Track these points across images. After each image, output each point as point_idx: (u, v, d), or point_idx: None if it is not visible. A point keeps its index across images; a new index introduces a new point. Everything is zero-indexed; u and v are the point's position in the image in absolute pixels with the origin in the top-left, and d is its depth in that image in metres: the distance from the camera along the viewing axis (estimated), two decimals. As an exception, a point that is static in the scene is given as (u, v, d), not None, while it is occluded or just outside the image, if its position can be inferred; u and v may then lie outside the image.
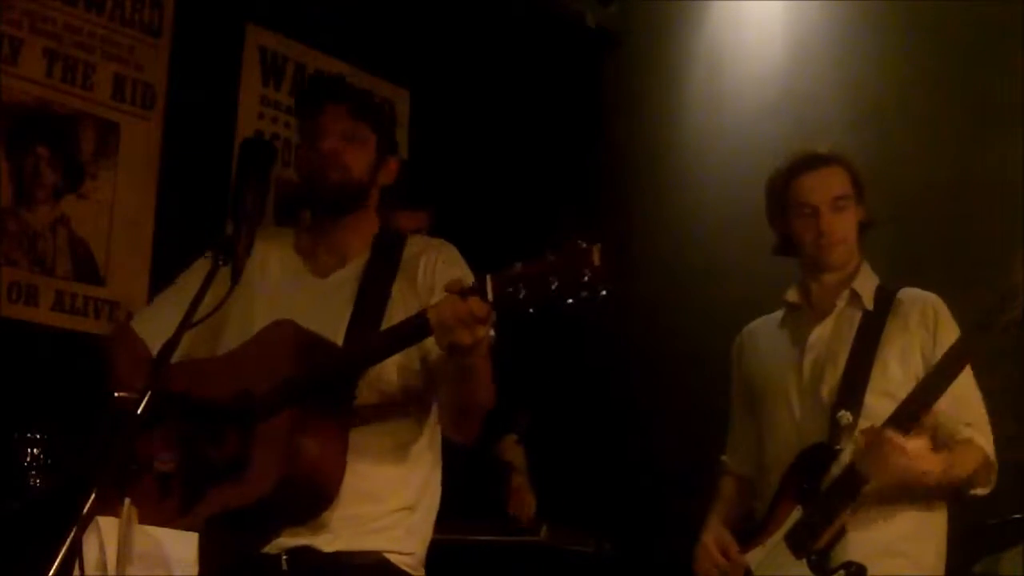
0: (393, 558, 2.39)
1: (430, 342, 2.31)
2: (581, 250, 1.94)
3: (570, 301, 1.95)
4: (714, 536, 2.79)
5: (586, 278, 1.93)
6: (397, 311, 2.42)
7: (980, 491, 2.62)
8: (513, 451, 3.81)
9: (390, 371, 2.41)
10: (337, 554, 2.32)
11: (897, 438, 2.43)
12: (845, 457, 2.60)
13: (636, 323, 4.57)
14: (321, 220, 2.56)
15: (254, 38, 4.27)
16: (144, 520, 1.88)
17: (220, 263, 2.17)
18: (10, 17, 3.59)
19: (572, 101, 4.94)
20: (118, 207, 3.80)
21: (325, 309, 2.44)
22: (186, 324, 2.07)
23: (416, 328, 2.13)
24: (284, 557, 2.29)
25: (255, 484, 2.21)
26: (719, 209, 4.39)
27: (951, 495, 2.63)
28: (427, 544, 2.47)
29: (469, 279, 2.44)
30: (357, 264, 2.53)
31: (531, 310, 1.99)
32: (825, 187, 2.77)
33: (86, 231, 3.72)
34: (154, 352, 2.46)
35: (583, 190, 4.88)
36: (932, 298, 2.76)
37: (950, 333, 2.69)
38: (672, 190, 4.69)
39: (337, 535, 2.32)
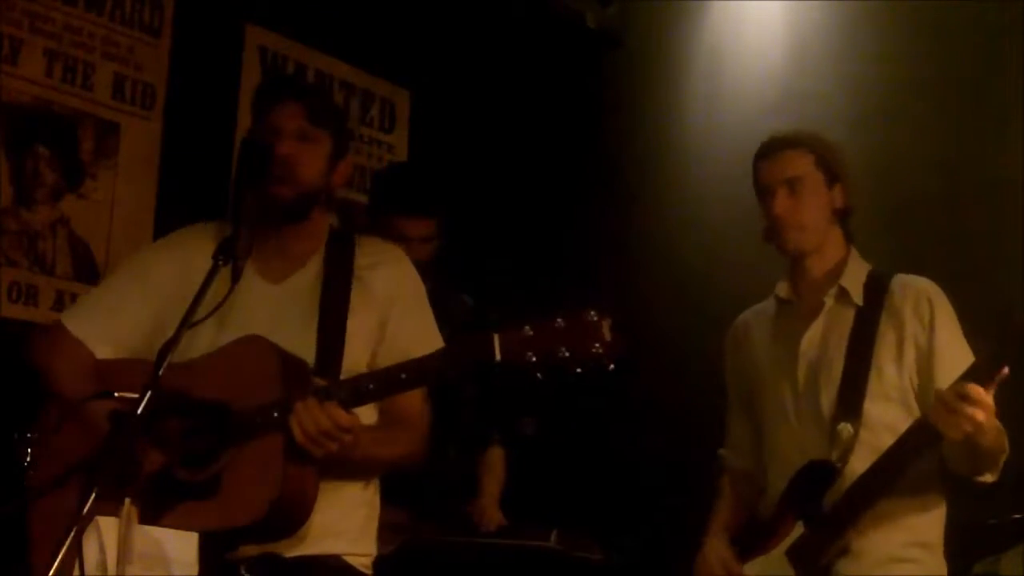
0: (352, 559, 2.42)
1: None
2: (592, 323, 1.99)
3: (579, 370, 2.00)
4: (716, 551, 2.75)
5: (598, 351, 1.98)
6: (356, 323, 2.43)
7: (989, 477, 2.55)
8: (495, 462, 3.80)
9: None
10: (299, 560, 2.32)
11: (979, 391, 2.32)
12: (855, 463, 2.56)
13: (635, 323, 4.56)
14: (271, 224, 2.49)
15: (254, 38, 4.27)
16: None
17: (220, 263, 2.18)
18: (10, 17, 3.58)
19: (572, 101, 4.94)
20: (118, 207, 3.80)
21: (284, 319, 2.41)
22: (185, 324, 2.08)
23: (477, 356, 2.09)
24: (243, 566, 2.27)
25: (240, 507, 2.19)
26: (719, 209, 4.39)
27: (969, 471, 2.55)
28: (375, 543, 2.50)
29: (424, 299, 2.48)
30: (310, 270, 2.50)
31: (538, 375, 2.02)
32: (780, 169, 2.73)
33: (86, 231, 3.72)
34: (97, 353, 2.46)
35: (583, 190, 4.88)
36: (926, 287, 2.68)
37: (946, 323, 2.63)
38: (672, 190, 4.68)
39: (300, 540, 2.31)
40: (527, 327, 2.02)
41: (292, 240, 2.51)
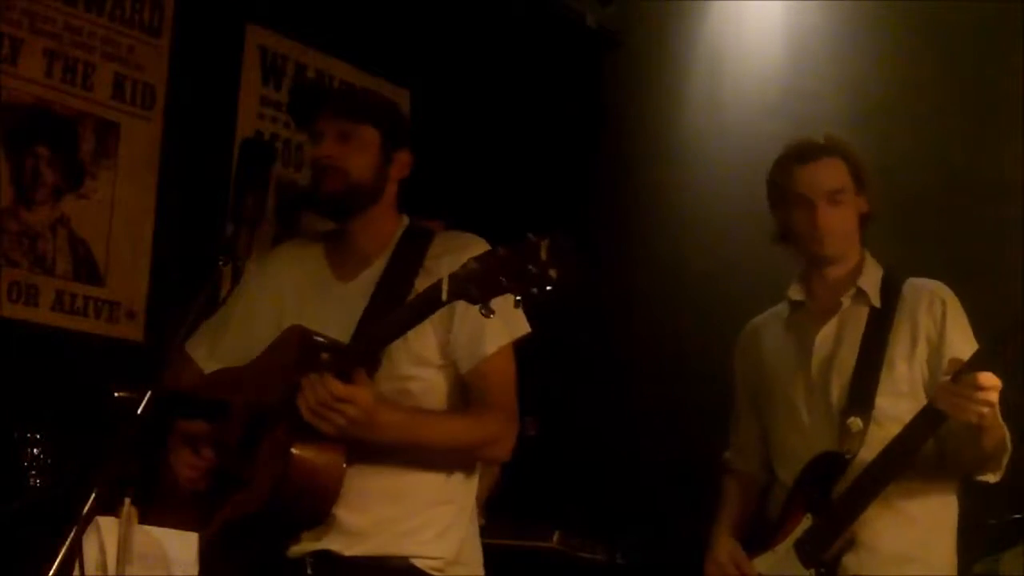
0: (420, 563, 2.37)
1: (460, 360, 2.39)
2: (529, 244, 1.92)
3: (519, 298, 1.92)
4: (725, 548, 2.75)
5: (532, 272, 1.90)
6: None
7: (991, 477, 2.57)
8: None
9: (412, 385, 2.39)
10: (360, 559, 2.31)
11: (989, 377, 2.34)
12: (864, 456, 2.56)
13: (636, 323, 4.57)
14: (338, 224, 2.55)
15: (254, 38, 4.26)
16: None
17: (221, 264, 2.19)
18: (10, 17, 3.58)
19: (572, 101, 4.94)
20: (118, 207, 3.79)
21: (344, 312, 2.43)
22: (186, 324, 2.09)
23: (428, 300, 2.10)
24: (309, 561, 2.29)
25: (255, 493, 2.23)
26: (719, 209, 4.39)
27: (972, 468, 2.56)
28: (460, 543, 2.45)
29: None
30: (379, 266, 2.51)
31: (483, 310, 1.97)
32: (821, 180, 2.72)
33: (86, 231, 3.72)
34: (206, 368, 2.57)
35: (583, 190, 4.88)
36: (940, 289, 2.72)
37: (957, 320, 2.66)
38: (672, 190, 4.68)
39: (363, 539, 2.31)
40: (472, 259, 1.99)
41: (360, 238, 2.54)
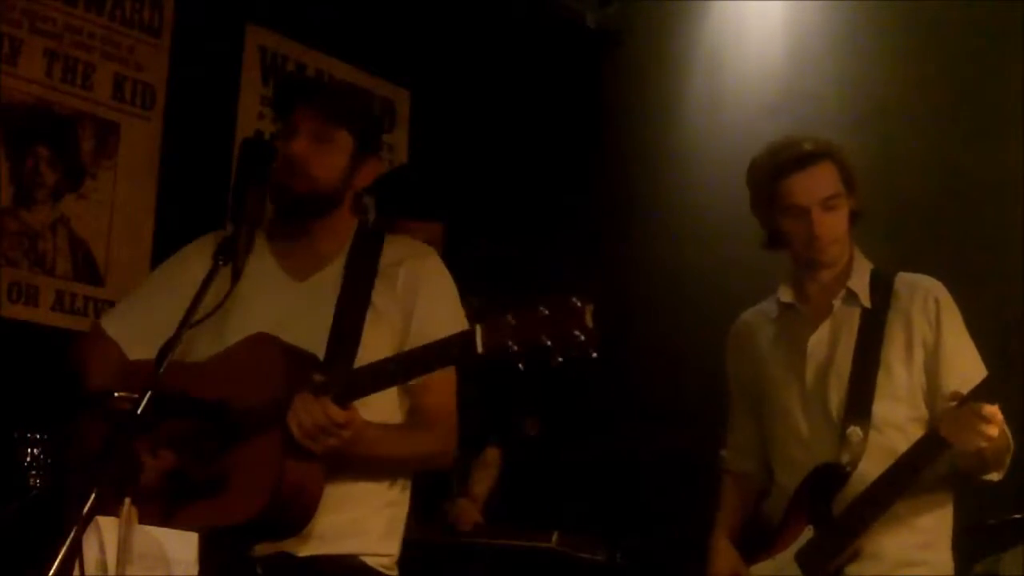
0: (370, 560, 2.39)
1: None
2: (575, 309, 1.92)
3: (560, 359, 1.93)
4: (723, 554, 2.74)
5: (579, 339, 1.91)
6: (377, 318, 2.42)
7: (995, 476, 2.56)
8: (489, 463, 3.80)
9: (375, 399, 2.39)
10: (313, 559, 2.31)
11: (992, 410, 2.35)
12: (864, 466, 2.56)
13: (636, 323, 4.56)
14: (293, 222, 2.51)
15: (254, 38, 4.27)
16: None
17: (220, 263, 2.18)
18: (10, 17, 3.59)
19: (572, 101, 4.94)
20: (118, 207, 3.80)
21: (304, 315, 2.41)
22: (186, 324, 2.08)
23: (459, 348, 2.08)
24: (258, 565, 2.27)
25: (241, 504, 2.19)
26: (719, 209, 4.39)
27: (974, 471, 2.57)
28: (399, 543, 2.47)
29: (451, 290, 2.47)
30: (335, 267, 2.49)
31: (521, 365, 1.97)
32: (815, 188, 2.68)
33: (86, 231, 3.73)
34: (128, 353, 2.48)
35: (583, 190, 4.88)
36: (931, 285, 2.70)
37: (952, 322, 2.64)
38: (672, 190, 4.68)
39: (320, 540, 2.31)
40: (510, 315, 1.97)
41: (318, 239, 2.51)
